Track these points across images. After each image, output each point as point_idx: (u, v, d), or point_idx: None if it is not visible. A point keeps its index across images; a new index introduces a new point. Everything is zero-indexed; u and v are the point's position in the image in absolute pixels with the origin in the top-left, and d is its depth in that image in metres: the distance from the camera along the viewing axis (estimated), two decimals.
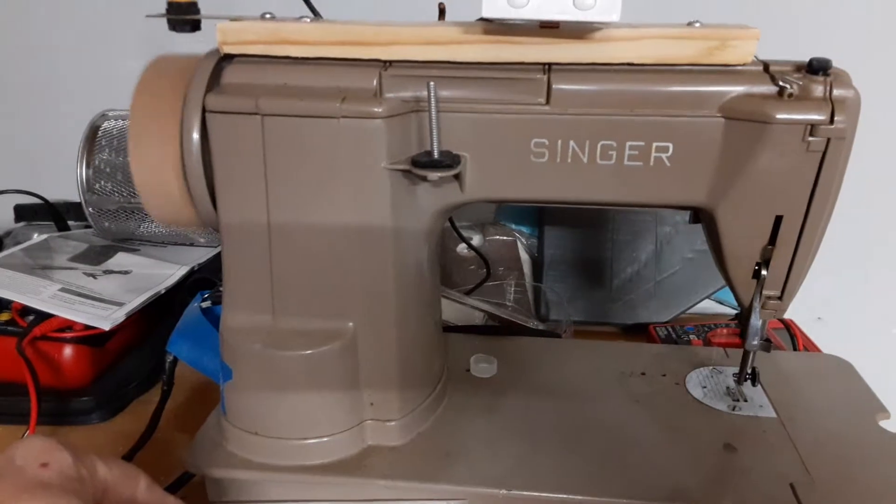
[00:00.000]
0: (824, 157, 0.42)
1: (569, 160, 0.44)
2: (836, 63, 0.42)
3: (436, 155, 0.43)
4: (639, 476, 0.48)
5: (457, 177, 0.45)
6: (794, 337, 0.69)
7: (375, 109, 0.42)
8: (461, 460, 0.49)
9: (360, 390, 0.50)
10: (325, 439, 0.49)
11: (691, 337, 0.70)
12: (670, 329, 0.72)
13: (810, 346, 0.69)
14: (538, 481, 0.47)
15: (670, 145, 0.43)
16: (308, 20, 0.46)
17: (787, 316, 0.75)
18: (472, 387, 0.58)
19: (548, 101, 0.44)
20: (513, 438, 0.51)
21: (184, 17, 0.45)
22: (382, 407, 0.50)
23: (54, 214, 0.83)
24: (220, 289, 0.50)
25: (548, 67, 0.44)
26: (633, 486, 0.47)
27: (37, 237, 0.78)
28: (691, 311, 0.77)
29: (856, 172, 0.54)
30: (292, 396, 0.48)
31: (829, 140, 0.41)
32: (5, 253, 0.72)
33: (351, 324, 0.48)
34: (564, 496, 0.46)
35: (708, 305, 0.79)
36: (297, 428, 0.49)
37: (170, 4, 0.45)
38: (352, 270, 0.47)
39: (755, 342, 0.50)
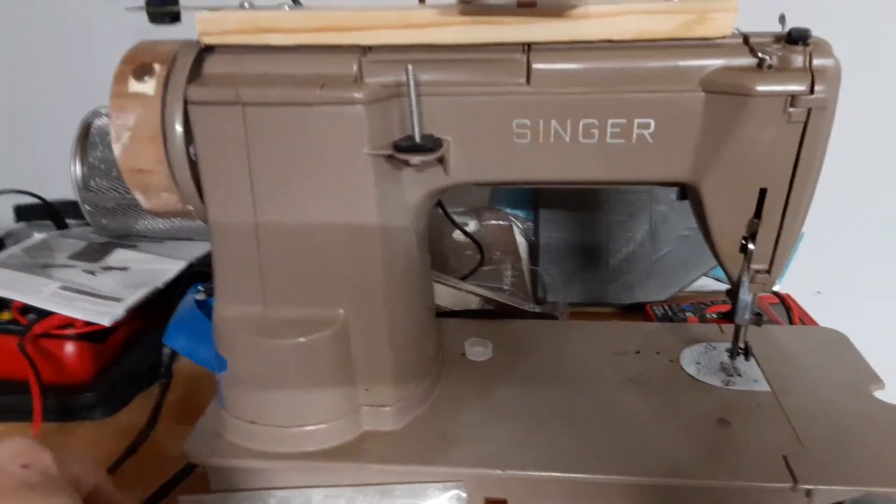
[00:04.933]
0: (806, 127, 0.42)
1: (551, 140, 0.45)
2: (819, 32, 0.42)
3: (417, 139, 0.43)
4: (633, 453, 0.48)
5: (440, 160, 0.45)
6: (789, 311, 0.69)
7: (355, 95, 0.42)
8: (457, 443, 0.50)
9: (354, 376, 0.50)
10: (322, 426, 0.50)
11: (688, 314, 0.70)
12: (667, 307, 0.72)
13: (807, 320, 0.69)
14: (534, 461, 0.48)
15: (652, 121, 0.44)
16: (287, 8, 0.46)
17: (785, 290, 0.75)
18: (468, 370, 0.58)
19: (528, 81, 0.44)
20: (508, 420, 0.52)
21: (162, 8, 0.45)
22: (377, 392, 0.51)
23: (53, 213, 0.84)
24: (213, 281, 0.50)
25: (527, 47, 0.44)
26: (627, 463, 0.47)
27: (36, 236, 0.78)
28: (689, 288, 0.77)
29: (852, 143, 0.53)
30: (286, 384, 0.49)
31: (810, 110, 0.41)
32: (5, 253, 0.73)
33: (341, 311, 0.48)
34: (560, 474, 0.47)
35: (705, 283, 0.79)
36: (293, 415, 0.49)
37: None
38: (339, 258, 0.47)
39: (746, 316, 0.50)
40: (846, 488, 0.44)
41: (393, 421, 0.51)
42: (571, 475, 0.47)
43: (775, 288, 0.75)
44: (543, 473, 0.47)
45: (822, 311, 0.73)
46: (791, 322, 0.68)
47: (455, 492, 0.48)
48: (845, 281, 0.86)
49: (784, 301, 0.70)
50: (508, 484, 0.48)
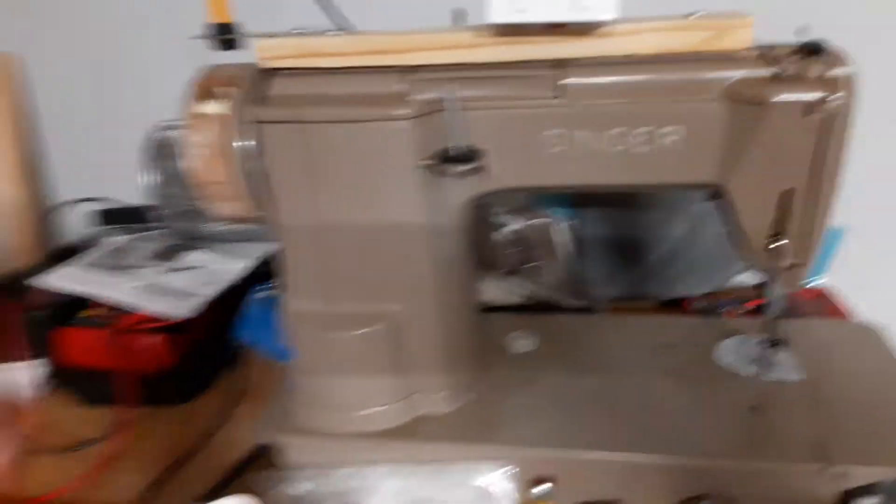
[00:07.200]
0: (823, 132, 0.44)
1: (582, 148, 0.48)
2: (851, 38, 0.44)
3: (458, 150, 0.47)
4: (669, 436, 0.51)
5: (479, 169, 0.49)
6: (827, 305, 0.70)
7: (402, 112, 0.47)
8: (504, 425, 0.54)
9: (408, 365, 0.55)
10: (380, 409, 0.55)
11: (725, 309, 0.72)
12: (705, 302, 0.74)
13: (845, 314, 0.70)
14: (578, 442, 0.51)
15: (677, 129, 0.46)
16: (337, 32, 0.51)
17: (828, 285, 0.76)
18: (513, 361, 0.62)
19: (559, 95, 0.47)
20: (551, 405, 0.56)
21: (223, 36, 0.51)
22: (428, 379, 0.55)
23: (131, 218, 0.91)
24: (279, 279, 0.55)
25: (558, 63, 0.47)
26: (664, 445, 0.50)
27: (117, 240, 0.86)
28: (728, 284, 0.78)
29: None
30: (347, 372, 0.54)
31: (825, 117, 0.43)
32: (91, 255, 0.80)
33: (395, 306, 0.53)
34: (603, 454, 0.51)
35: (745, 278, 0.80)
36: (353, 400, 0.55)
37: (211, 26, 0.51)
38: (391, 258, 0.52)
39: (777, 310, 0.52)
40: (878, 469, 0.46)
41: (444, 405, 0.56)
42: (615, 454, 0.50)
43: (817, 282, 0.76)
44: (588, 452, 0.51)
45: (866, 305, 0.73)
46: (829, 316, 0.70)
47: (506, 469, 0.52)
48: (890, 276, 0.86)
49: (822, 295, 0.71)
50: (556, 463, 0.52)
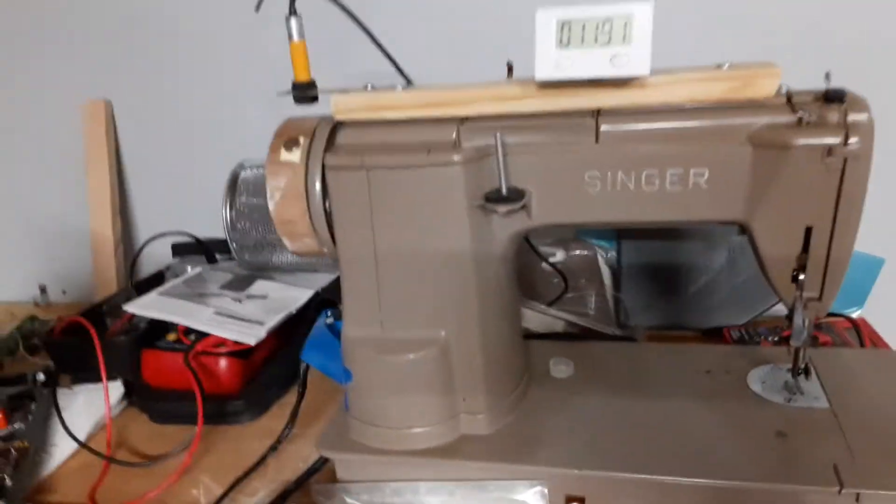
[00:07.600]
0: (843, 174, 0.48)
1: (618, 188, 0.53)
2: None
3: (504, 192, 0.53)
4: (698, 458, 0.54)
5: (524, 207, 0.54)
6: (861, 335, 0.72)
7: (454, 158, 0.52)
8: (541, 446, 0.58)
9: (454, 388, 0.59)
10: (428, 429, 0.59)
11: (762, 338, 0.75)
12: (743, 331, 0.77)
13: (880, 344, 0.72)
14: (609, 463, 0.55)
15: (706, 171, 0.51)
16: (400, 88, 0.57)
17: (866, 315, 0.79)
18: (552, 385, 0.66)
19: (597, 141, 0.52)
20: (587, 428, 0.59)
21: (304, 93, 0.57)
22: (473, 402, 0.60)
23: (204, 250, 0.99)
24: (341, 307, 0.61)
25: (596, 112, 0.52)
26: (692, 466, 0.53)
27: (191, 270, 0.93)
28: (768, 313, 0.81)
29: None
30: (399, 393, 0.59)
31: (845, 160, 0.47)
32: (168, 285, 0.87)
33: (443, 332, 0.58)
34: (632, 475, 0.54)
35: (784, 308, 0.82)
36: (404, 419, 0.59)
37: (294, 84, 0.58)
38: (441, 289, 0.57)
39: (801, 339, 0.55)
40: (893, 493, 0.49)
41: (486, 426, 0.60)
42: (642, 476, 0.54)
43: (855, 313, 0.79)
44: (617, 474, 0.54)
45: None
46: (862, 345, 0.72)
47: (539, 488, 0.56)
48: None
49: (857, 325, 0.74)
50: (586, 483, 0.55)
